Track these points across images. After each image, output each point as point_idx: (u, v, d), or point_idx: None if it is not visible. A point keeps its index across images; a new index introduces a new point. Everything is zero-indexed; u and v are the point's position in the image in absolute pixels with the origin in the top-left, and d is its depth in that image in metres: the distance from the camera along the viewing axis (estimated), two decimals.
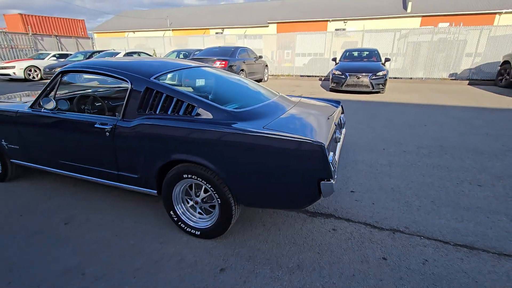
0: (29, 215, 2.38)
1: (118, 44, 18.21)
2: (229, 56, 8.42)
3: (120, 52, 10.76)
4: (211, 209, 2.06)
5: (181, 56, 11.51)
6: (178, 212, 2.08)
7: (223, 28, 29.18)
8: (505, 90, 8.45)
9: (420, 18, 22.56)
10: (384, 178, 3.01)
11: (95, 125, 2.11)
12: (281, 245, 2.01)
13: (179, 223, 2.09)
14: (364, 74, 7.64)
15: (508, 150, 3.73)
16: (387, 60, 8.63)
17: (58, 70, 2.39)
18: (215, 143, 1.76)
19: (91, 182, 2.97)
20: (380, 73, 7.60)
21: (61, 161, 2.43)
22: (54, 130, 2.34)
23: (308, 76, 13.60)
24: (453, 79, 10.72)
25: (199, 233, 2.04)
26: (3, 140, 2.69)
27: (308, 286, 1.65)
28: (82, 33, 22.65)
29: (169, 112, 1.97)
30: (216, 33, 28.12)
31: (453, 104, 6.69)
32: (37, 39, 15.57)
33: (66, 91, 3.14)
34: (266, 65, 11.20)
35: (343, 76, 7.83)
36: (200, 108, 1.92)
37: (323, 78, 13.01)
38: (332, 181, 1.58)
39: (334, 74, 8.13)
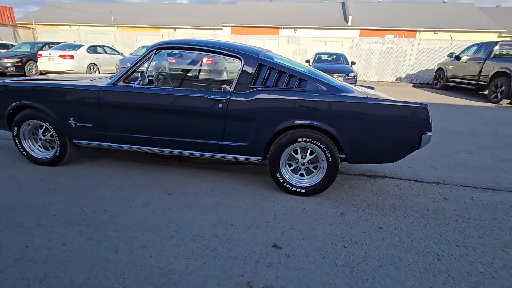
0: (122, 191, 2.38)
1: (51, 37, 16.29)
2: None
3: (83, 45, 9.89)
4: (313, 170, 2.41)
5: None
6: (284, 176, 2.39)
7: (175, 28, 28.37)
8: (441, 91, 10.42)
9: (359, 31, 25.39)
10: None
11: (209, 97, 2.28)
12: (368, 196, 2.48)
13: (285, 184, 2.39)
14: (338, 74, 8.62)
15: (474, 131, 4.86)
16: (353, 63, 9.84)
17: (152, 45, 2.46)
18: (337, 110, 2.15)
19: (157, 161, 3.00)
20: (352, 74, 8.68)
21: (151, 136, 2.49)
22: (150, 105, 2.40)
23: None
24: (399, 82, 12.68)
25: (304, 191, 2.38)
26: (72, 119, 2.58)
27: (412, 219, 2.15)
28: (10, 22, 19.64)
29: (282, 85, 2.28)
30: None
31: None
32: None
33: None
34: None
35: None
36: (309, 81, 2.28)
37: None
38: (430, 133, 2.13)
39: None
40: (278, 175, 2.38)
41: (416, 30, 24.32)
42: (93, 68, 10.01)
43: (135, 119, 2.47)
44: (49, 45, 11.15)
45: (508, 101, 7.73)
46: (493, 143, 4.18)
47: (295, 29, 25.88)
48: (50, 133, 2.73)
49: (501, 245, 1.85)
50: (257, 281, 1.45)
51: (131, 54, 10.97)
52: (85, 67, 9.67)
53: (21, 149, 2.76)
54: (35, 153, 2.79)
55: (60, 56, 9.13)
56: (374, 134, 2.17)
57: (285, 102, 2.21)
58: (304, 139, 2.24)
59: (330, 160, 2.25)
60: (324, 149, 2.24)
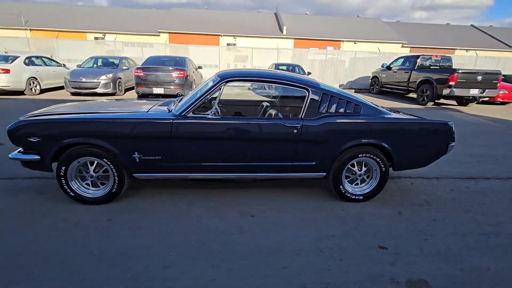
0: (205, 219, 2.43)
1: None
2: (183, 66, 8.42)
3: (19, 56, 8.48)
4: (366, 179, 2.87)
5: (100, 63, 10.19)
6: (347, 188, 2.79)
7: (104, 33, 26.08)
8: (378, 95, 12.28)
9: (293, 40, 27.45)
10: None
11: (285, 124, 2.53)
12: (403, 195, 3.06)
13: (346, 194, 2.79)
14: None
15: None
16: (309, 73, 10.85)
17: (220, 77, 2.57)
18: (390, 129, 2.65)
19: (202, 185, 3.05)
20: None
21: (224, 164, 2.59)
22: (226, 134, 2.51)
23: None
24: (343, 88, 14.38)
25: (362, 198, 2.82)
26: (136, 153, 2.48)
27: (446, 209, 2.78)
28: None
29: (342, 111, 2.68)
30: (96, 38, 24.81)
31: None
32: None
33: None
34: (201, 76, 11.50)
35: None
36: (362, 106, 2.74)
37: (251, 88, 14.37)
38: (454, 143, 2.80)
39: None
40: (340, 187, 2.77)
41: (340, 40, 27.55)
42: (33, 83, 8.69)
43: (209, 149, 2.54)
44: None
45: (432, 103, 9.68)
46: None
47: (235, 37, 26.55)
48: (103, 169, 2.57)
49: (510, 220, 2.60)
50: (396, 277, 1.82)
51: (79, 66, 9.82)
52: (24, 82, 8.34)
53: (68, 190, 2.51)
54: (86, 192, 2.57)
55: None
56: (416, 145, 2.75)
57: (350, 125, 2.61)
58: (364, 155, 2.69)
59: (383, 170, 2.75)
60: (379, 161, 2.72)
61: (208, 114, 2.53)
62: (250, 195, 2.92)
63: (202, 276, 1.77)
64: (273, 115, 3.11)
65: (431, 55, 10.47)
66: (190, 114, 2.52)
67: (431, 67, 10.31)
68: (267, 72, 2.77)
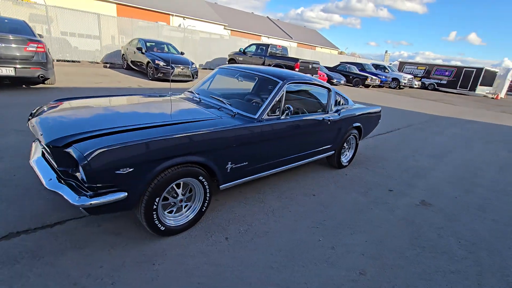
0: (292, 208, 2.76)
1: None
2: (31, 34, 5.93)
3: None
4: (346, 150, 4.06)
5: None
6: (343, 159, 3.86)
7: None
8: None
9: (115, 5, 24.02)
10: None
11: (325, 119, 3.17)
12: (359, 158, 4.55)
13: (342, 163, 3.89)
14: (183, 66, 9.18)
15: None
16: (182, 53, 10.55)
17: (282, 80, 2.76)
18: (366, 116, 3.92)
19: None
20: (194, 66, 9.57)
21: (286, 157, 2.92)
22: (293, 131, 2.85)
23: (70, 61, 11.33)
24: (202, 68, 14.78)
25: (348, 164, 4.01)
26: (229, 163, 2.32)
27: (382, 164, 4.52)
28: None
29: (342, 105, 3.65)
30: None
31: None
32: None
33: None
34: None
35: (169, 68, 8.79)
36: (349, 100, 3.83)
37: (108, 66, 11.67)
38: (380, 119, 4.50)
39: (159, 65, 8.76)
40: (341, 158, 3.82)
41: (170, 14, 26.89)
42: None
43: (279, 147, 2.78)
44: None
45: None
46: None
47: None
48: (188, 189, 2.22)
49: (423, 151, 4.67)
50: (415, 202, 3.14)
51: None
52: None
53: (158, 225, 2.00)
54: (175, 221, 2.14)
55: None
56: (370, 122, 4.21)
57: (353, 115, 3.65)
58: (352, 134, 3.83)
59: (358, 142, 4.04)
60: (357, 137, 3.97)
61: (278, 114, 2.72)
62: (280, 182, 3.36)
63: (356, 245, 2.32)
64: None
65: (276, 45, 13.06)
66: (266, 117, 2.62)
67: (277, 55, 12.92)
68: (311, 77, 3.23)
